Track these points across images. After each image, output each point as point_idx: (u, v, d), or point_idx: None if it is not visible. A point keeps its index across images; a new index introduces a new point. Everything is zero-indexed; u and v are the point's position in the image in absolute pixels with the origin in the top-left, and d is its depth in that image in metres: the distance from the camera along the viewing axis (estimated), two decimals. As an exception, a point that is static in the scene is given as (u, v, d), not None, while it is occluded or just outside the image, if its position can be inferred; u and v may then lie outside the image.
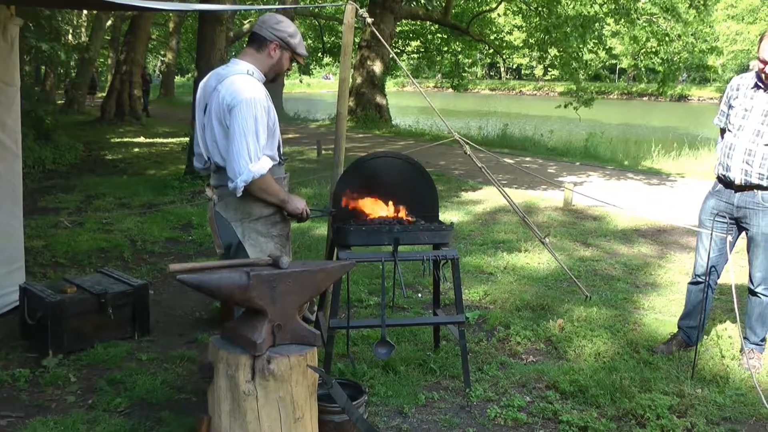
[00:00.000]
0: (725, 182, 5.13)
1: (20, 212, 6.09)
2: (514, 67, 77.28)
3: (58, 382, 4.76)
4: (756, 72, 4.96)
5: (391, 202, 4.82)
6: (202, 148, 4.06)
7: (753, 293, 5.24)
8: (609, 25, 24.94)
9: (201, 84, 4.09)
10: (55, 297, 5.20)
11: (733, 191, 5.08)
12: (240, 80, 3.84)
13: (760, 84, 4.94)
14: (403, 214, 4.80)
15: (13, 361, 5.06)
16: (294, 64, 4.22)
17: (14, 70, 5.82)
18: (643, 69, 27.27)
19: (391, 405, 4.54)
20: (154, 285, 6.79)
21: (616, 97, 65.93)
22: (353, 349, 5.31)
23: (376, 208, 4.80)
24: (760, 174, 4.91)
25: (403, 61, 33.14)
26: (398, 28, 29.01)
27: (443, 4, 27.50)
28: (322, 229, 8.73)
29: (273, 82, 4.21)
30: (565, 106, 24.13)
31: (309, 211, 4.18)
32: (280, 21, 4.03)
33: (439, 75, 61.66)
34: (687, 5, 21.46)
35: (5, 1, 5.56)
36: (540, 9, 24.80)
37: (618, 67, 62.29)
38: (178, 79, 50.79)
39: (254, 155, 3.74)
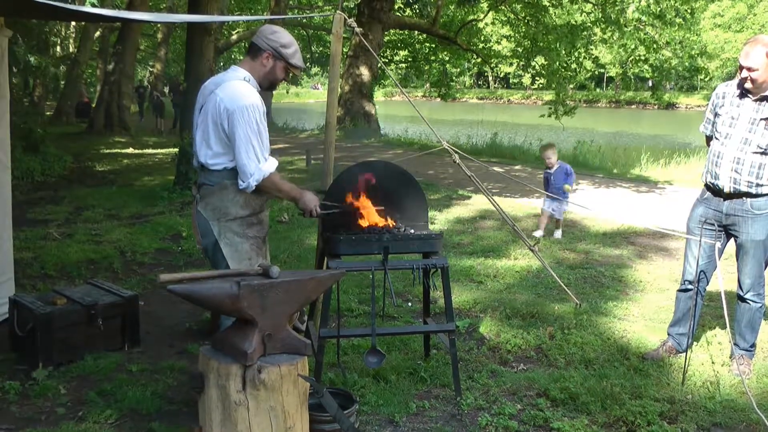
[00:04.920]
0: (714, 190, 5.15)
1: (9, 224, 6.07)
2: (501, 76, 77.44)
3: (48, 394, 4.73)
4: (739, 79, 5.00)
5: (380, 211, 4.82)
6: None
7: (742, 299, 5.26)
8: (596, 34, 24.99)
9: (201, 87, 4.25)
10: (45, 309, 5.18)
11: (721, 199, 5.11)
12: (238, 86, 4.03)
13: (745, 92, 4.98)
14: (391, 222, 4.80)
15: (3, 373, 5.03)
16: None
17: (4, 81, 5.81)
18: (631, 77, 27.28)
19: (381, 414, 4.54)
20: (144, 296, 6.76)
21: (604, 105, 66.12)
22: (344, 358, 5.30)
23: (367, 216, 4.80)
24: (749, 182, 4.94)
25: (392, 70, 33.19)
26: (386, 38, 29.08)
27: (432, 14, 27.60)
28: (312, 239, 8.73)
29: (268, 90, 4.30)
30: (549, 115, 24.22)
31: (319, 209, 4.35)
32: (275, 31, 4.16)
33: (428, 84, 61.78)
34: (673, 14, 21.56)
35: (-6, 13, 5.55)
36: (527, 18, 24.91)
37: (605, 75, 62.45)
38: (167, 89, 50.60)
39: (261, 156, 3.99)
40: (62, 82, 28.88)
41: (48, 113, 28.63)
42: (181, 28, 30.09)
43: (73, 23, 29.79)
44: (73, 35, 32.92)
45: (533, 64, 26.14)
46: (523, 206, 11.86)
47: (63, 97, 29.39)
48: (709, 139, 5.30)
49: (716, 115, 5.15)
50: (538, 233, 9.59)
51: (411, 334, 5.74)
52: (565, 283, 6.90)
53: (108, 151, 20.32)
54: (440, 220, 10.68)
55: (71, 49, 31.42)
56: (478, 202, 11.97)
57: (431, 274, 4.84)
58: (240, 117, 3.92)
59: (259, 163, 3.98)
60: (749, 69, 4.82)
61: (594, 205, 11.83)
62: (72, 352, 5.25)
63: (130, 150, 20.68)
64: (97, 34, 29.67)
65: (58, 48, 32.24)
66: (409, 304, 6.76)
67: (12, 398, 4.66)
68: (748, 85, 4.89)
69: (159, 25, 33.31)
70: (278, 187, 4.17)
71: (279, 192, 4.20)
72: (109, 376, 5.04)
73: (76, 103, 29.65)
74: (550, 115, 24.17)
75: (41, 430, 4.24)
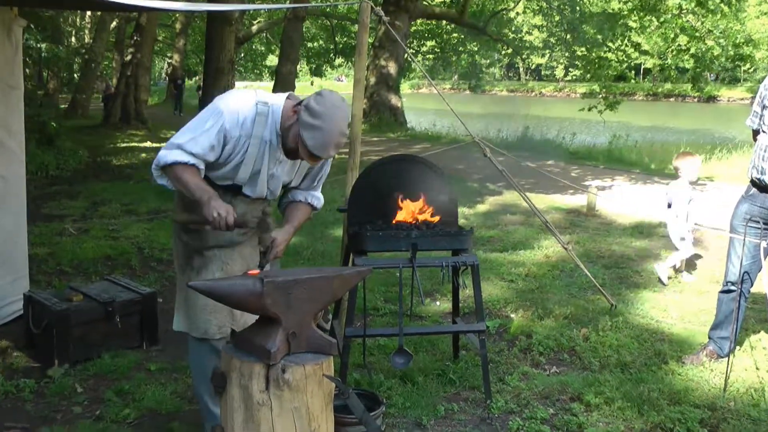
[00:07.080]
0: (760, 186, 4.96)
1: (24, 219, 6.01)
2: (533, 67, 76.96)
3: (64, 393, 4.70)
4: None
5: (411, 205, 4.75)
6: None
7: (788, 302, 5.06)
8: (635, 22, 24.31)
9: None
10: (61, 305, 5.13)
11: (768, 195, 4.91)
12: (238, 92, 3.61)
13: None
14: (427, 215, 4.73)
15: (18, 371, 5.01)
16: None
17: (18, 72, 5.75)
18: (672, 68, 26.23)
19: (409, 416, 4.48)
20: (163, 293, 6.67)
21: (641, 98, 64.90)
22: (369, 358, 5.20)
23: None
24: (797, 177, 4.75)
25: (418, 61, 33.07)
26: (413, 28, 28.95)
27: (461, 2, 27.37)
28: (337, 235, 8.62)
29: (290, 155, 3.53)
30: (589, 109, 23.59)
31: (230, 221, 3.36)
32: (323, 95, 3.35)
33: (456, 76, 61.68)
34: (718, 1, 20.92)
35: (8, 2, 5.52)
36: (561, 6, 24.50)
37: (642, 67, 61.46)
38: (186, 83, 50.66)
39: (175, 140, 3.44)
40: (76, 75, 28.87)
41: (63, 106, 28.59)
42: (201, 18, 30.07)
43: (89, 13, 29.86)
44: (89, 26, 33.00)
45: (570, 55, 25.56)
46: (556, 202, 11.80)
47: (78, 89, 29.30)
48: (756, 133, 5.09)
49: (764, 107, 4.95)
50: (690, 276, 7.64)
51: (439, 334, 5.68)
52: (599, 282, 6.83)
53: (124, 145, 20.20)
54: (469, 215, 10.59)
55: (86, 41, 31.42)
56: (510, 198, 11.87)
57: (461, 272, 4.82)
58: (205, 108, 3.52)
59: (166, 148, 3.43)
60: None
61: (631, 201, 11.65)
62: (89, 349, 5.20)
63: (148, 144, 20.36)
64: (113, 24, 29.67)
65: (73, 39, 32.28)
66: (438, 303, 6.66)
67: (27, 396, 4.63)
68: None
69: (177, 15, 33.31)
70: (182, 182, 3.43)
71: (184, 188, 3.45)
72: (128, 375, 5.00)
73: (104, 96, 29.68)
74: (590, 109, 23.44)
75: (57, 429, 4.21)
